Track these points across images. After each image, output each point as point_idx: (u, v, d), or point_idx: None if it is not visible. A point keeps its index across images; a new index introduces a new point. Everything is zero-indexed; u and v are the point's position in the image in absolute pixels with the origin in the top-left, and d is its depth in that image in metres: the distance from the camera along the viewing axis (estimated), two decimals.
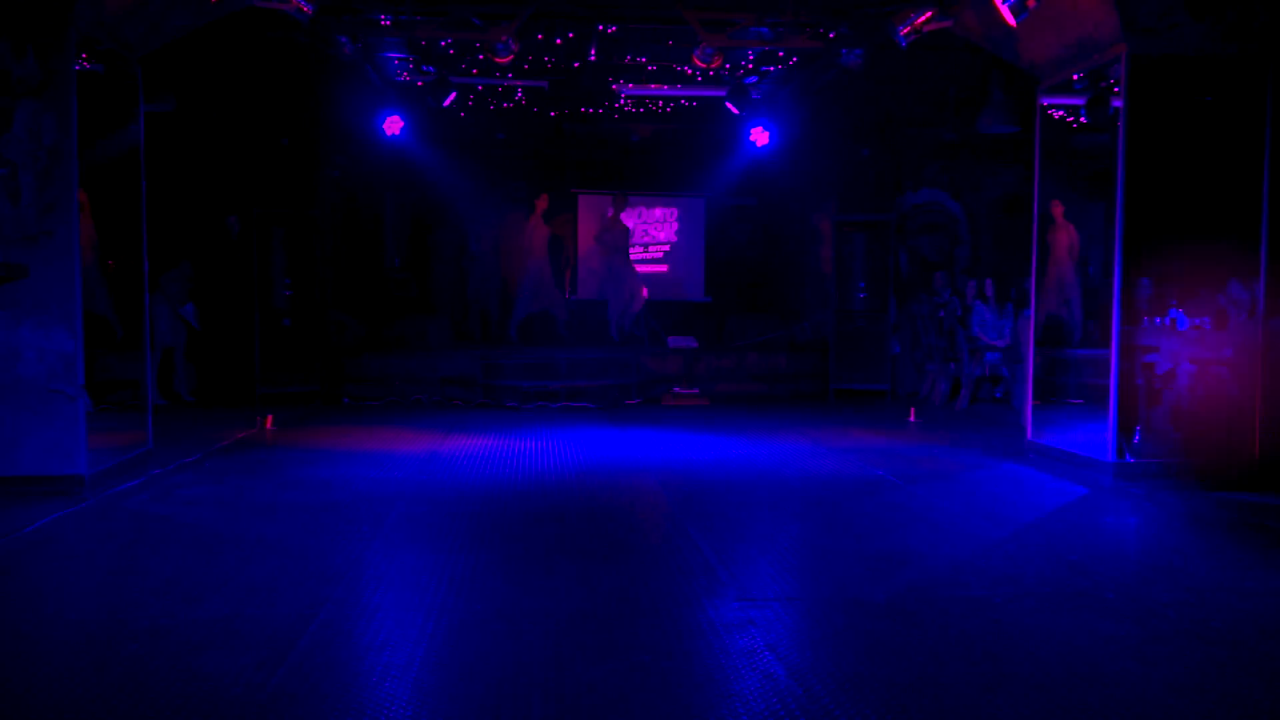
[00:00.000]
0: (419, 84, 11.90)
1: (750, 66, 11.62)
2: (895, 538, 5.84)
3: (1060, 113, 8.56)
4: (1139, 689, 3.67)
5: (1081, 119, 8.23)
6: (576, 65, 11.55)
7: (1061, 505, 6.81)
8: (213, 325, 11.89)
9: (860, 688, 3.63)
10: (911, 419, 10.93)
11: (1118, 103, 7.35)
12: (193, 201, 12.01)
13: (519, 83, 12.45)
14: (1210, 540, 5.90)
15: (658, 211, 16.38)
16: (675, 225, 16.45)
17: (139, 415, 8.02)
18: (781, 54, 11.08)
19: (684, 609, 4.47)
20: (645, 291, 14.81)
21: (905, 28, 8.38)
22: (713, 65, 9.94)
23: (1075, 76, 7.99)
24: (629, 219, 15.41)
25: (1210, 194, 7.37)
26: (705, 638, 4.12)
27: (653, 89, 12.81)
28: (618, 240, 14.63)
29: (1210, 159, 7.38)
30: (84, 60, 7.04)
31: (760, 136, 13.24)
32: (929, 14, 8.24)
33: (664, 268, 16.41)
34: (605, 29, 10.18)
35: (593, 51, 10.92)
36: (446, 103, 11.29)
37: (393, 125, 12.44)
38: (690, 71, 11.90)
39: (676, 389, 12.49)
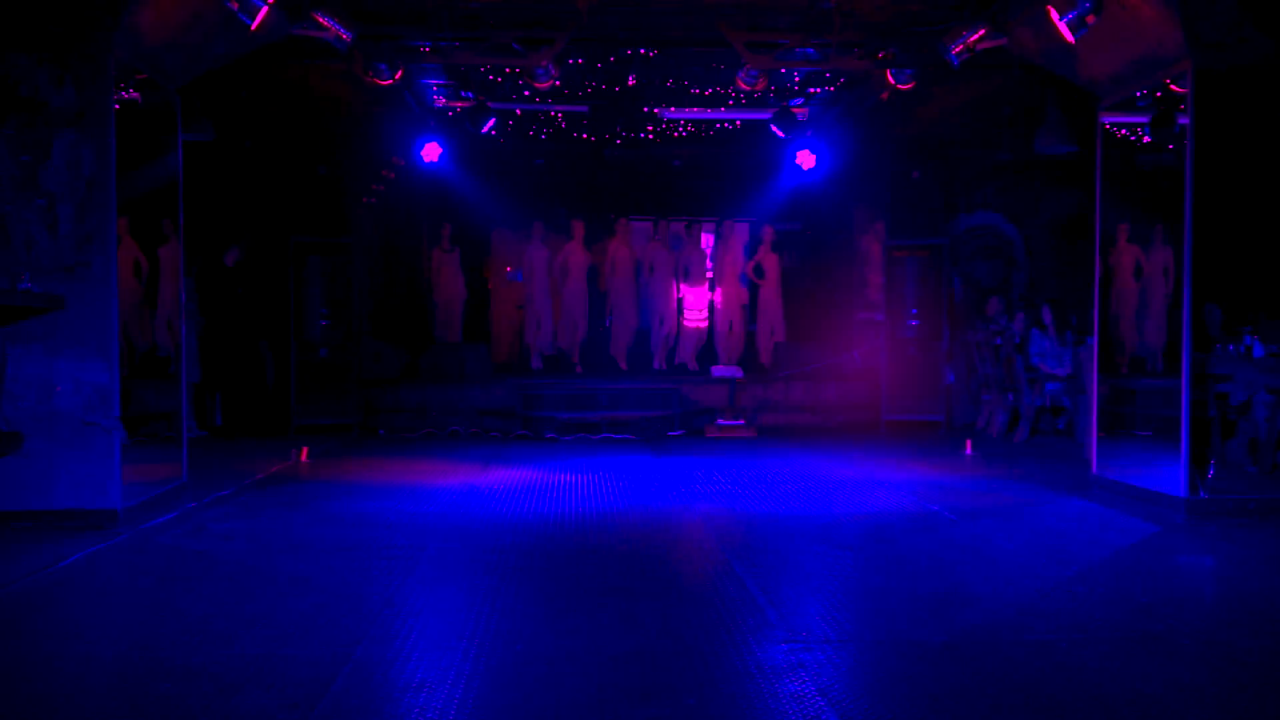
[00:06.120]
0: (457, 110, 11.87)
1: (796, 88, 11.45)
2: (953, 577, 5.58)
3: (1123, 131, 8.27)
4: None
5: (1145, 137, 7.93)
6: (617, 90, 11.45)
7: (1131, 544, 6.49)
8: (244, 356, 11.86)
9: None
10: (968, 451, 10.59)
11: (1184, 120, 7.06)
12: (230, 229, 12.03)
13: (559, 108, 12.39)
14: None
15: (701, 237, 16.20)
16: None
17: (173, 448, 7.95)
18: (828, 75, 10.90)
19: (730, 650, 4.28)
20: (673, 321, 14.62)
21: (957, 46, 8.15)
22: (757, 88, 9.76)
23: (1138, 93, 7.71)
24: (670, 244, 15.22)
25: None
26: (754, 681, 3.93)
27: (695, 112, 12.67)
28: (658, 266, 14.45)
29: None
30: (121, 89, 7.01)
31: (806, 159, 12.94)
32: (982, 32, 8.01)
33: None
34: (647, 53, 10.08)
35: (633, 76, 10.83)
36: (485, 129, 11.24)
37: (431, 152, 12.39)
38: (733, 94, 11.74)
39: (720, 420, 12.19)
